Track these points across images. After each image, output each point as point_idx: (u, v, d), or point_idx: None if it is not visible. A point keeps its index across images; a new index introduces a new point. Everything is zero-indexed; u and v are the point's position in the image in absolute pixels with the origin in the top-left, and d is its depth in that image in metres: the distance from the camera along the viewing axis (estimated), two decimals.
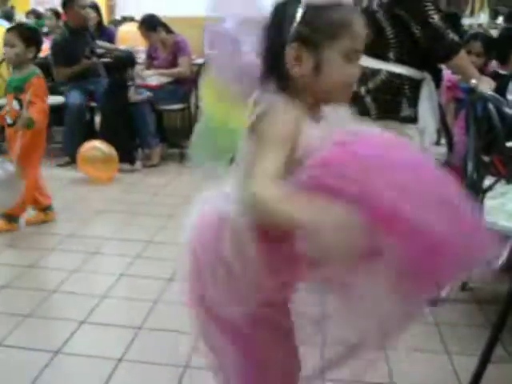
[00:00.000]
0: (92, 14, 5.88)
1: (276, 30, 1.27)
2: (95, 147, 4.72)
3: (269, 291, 1.24)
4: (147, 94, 5.21)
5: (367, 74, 2.80)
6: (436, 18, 2.70)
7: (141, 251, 3.31)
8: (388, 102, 2.79)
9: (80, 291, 2.85)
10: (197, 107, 5.59)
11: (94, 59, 5.42)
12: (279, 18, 1.27)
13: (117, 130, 5.02)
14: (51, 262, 3.22)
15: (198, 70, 5.49)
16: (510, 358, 2.35)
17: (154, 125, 5.40)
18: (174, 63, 5.51)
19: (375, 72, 2.81)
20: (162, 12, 5.76)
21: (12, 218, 3.58)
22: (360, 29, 1.27)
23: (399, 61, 2.79)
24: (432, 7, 2.71)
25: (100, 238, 3.55)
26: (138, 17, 6.44)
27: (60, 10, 7.14)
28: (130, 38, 6.15)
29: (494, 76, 3.28)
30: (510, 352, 2.37)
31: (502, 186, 2.69)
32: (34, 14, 7.92)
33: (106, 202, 4.27)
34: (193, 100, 5.57)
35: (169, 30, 5.57)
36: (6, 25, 6.14)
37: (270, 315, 1.31)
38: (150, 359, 2.30)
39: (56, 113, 5.91)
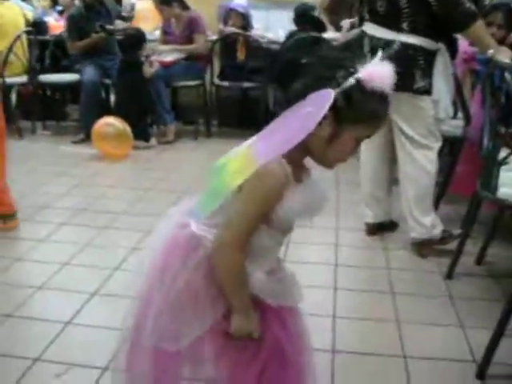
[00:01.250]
0: None
1: (315, 84, 1.25)
2: (109, 123, 4.70)
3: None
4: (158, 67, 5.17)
5: (379, 45, 2.73)
6: None
7: (152, 226, 3.29)
8: (401, 74, 2.69)
9: (92, 263, 2.85)
10: (212, 84, 5.57)
11: (103, 34, 5.38)
12: (323, 75, 1.25)
13: (131, 108, 5.00)
14: (64, 235, 3.21)
15: (212, 46, 5.45)
16: None
17: (168, 101, 5.39)
18: (189, 39, 5.45)
19: (388, 43, 2.75)
20: None
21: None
22: (383, 122, 1.31)
23: (413, 31, 2.74)
24: None
25: (113, 212, 3.54)
26: None
27: None
28: (145, 15, 6.10)
29: None
30: None
31: None
32: None
33: (120, 178, 4.26)
34: (207, 76, 5.53)
35: (185, 6, 5.52)
36: (23, 5, 6.15)
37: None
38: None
39: (72, 90, 5.97)
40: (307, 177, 1.36)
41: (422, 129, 2.86)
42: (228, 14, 5.65)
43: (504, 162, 2.46)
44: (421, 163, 2.89)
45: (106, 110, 5.23)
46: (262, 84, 5.41)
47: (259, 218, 1.30)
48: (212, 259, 1.32)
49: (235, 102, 6.00)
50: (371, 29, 2.86)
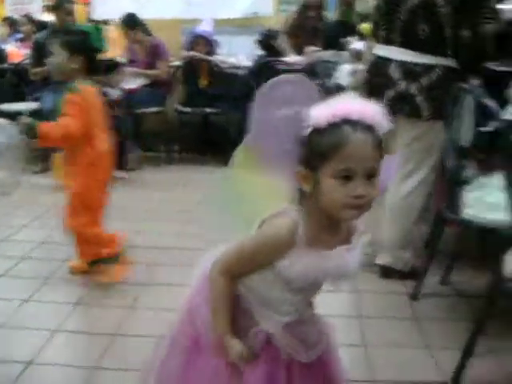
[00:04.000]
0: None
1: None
2: None
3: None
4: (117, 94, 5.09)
5: (418, 71, 2.72)
6: (489, 28, 2.64)
7: None
8: (444, 101, 2.65)
9: (54, 299, 2.79)
10: (174, 110, 5.55)
11: None
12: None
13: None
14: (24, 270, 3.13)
15: (175, 72, 5.45)
16: (492, 351, 2.31)
17: (131, 128, 5.34)
18: (152, 66, 5.47)
19: (429, 68, 2.72)
20: (139, 14, 5.69)
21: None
22: (355, 147, 1.22)
23: (456, 56, 2.72)
24: (490, 15, 2.65)
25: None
26: (114, 21, 6.40)
27: (36, 16, 7.14)
28: (112, 42, 6.08)
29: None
30: (492, 345, 2.34)
31: (481, 179, 2.67)
32: (9, 20, 7.81)
33: None
34: (169, 103, 5.52)
35: (147, 33, 5.53)
36: None
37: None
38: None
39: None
40: (334, 246, 1.32)
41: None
42: (195, 41, 5.64)
43: (467, 182, 2.48)
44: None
45: None
46: (224, 110, 5.42)
47: (253, 261, 1.34)
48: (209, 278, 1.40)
49: (197, 128, 5.99)
50: (399, 54, 2.79)
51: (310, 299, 1.47)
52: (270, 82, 1.32)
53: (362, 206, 1.24)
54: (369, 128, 1.23)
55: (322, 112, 1.24)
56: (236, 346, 1.36)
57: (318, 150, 1.23)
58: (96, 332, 2.48)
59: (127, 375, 2.12)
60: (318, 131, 1.23)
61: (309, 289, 1.39)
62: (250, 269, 1.36)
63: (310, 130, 1.25)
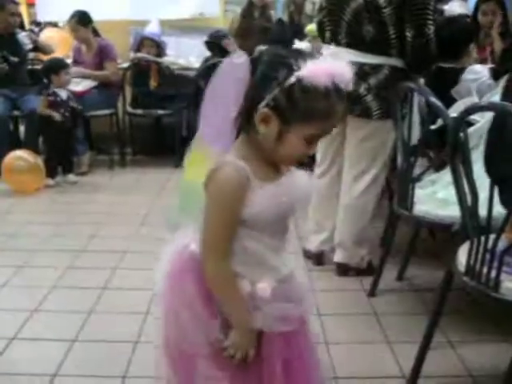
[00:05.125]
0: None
1: (260, 84, 1.25)
2: (19, 157, 4.54)
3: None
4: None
5: (366, 71, 2.75)
6: (431, 28, 2.68)
7: (72, 261, 3.20)
8: (392, 100, 2.65)
9: (10, 306, 2.72)
10: (124, 112, 5.50)
11: (4, 66, 5.18)
12: (266, 74, 1.24)
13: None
14: None
15: (124, 73, 5.39)
16: (449, 343, 2.38)
17: (81, 131, 5.26)
18: (99, 67, 5.38)
19: (377, 68, 2.75)
20: None
21: None
22: (336, 120, 1.26)
23: (402, 56, 2.76)
24: (432, 15, 2.69)
25: (28, 250, 3.40)
26: (61, 23, 6.31)
27: None
28: (52, 43, 5.96)
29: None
30: (449, 338, 2.41)
31: (431, 175, 2.74)
32: None
33: (33, 213, 4.10)
34: (120, 105, 5.46)
35: (96, 33, 5.46)
36: None
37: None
38: (87, 372, 2.21)
39: None
40: (283, 173, 1.34)
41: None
42: (141, 43, 5.59)
43: (418, 179, 2.54)
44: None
45: (16, 143, 5.06)
46: (175, 111, 5.40)
47: (228, 223, 1.29)
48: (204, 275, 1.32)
49: (149, 129, 5.95)
50: (347, 54, 2.77)
51: (284, 241, 1.42)
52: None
53: (303, 160, 1.30)
54: (345, 95, 1.23)
55: (317, 71, 1.19)
56: (253, 339, 1.34)
57: (302, 109, 1.20)
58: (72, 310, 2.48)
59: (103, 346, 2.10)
60: (307, 89, 1.19)
61: (279, 226, 1.37)
62: (231, 234, 1.30)
63: (297, 81, 1.19)
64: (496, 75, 3.00)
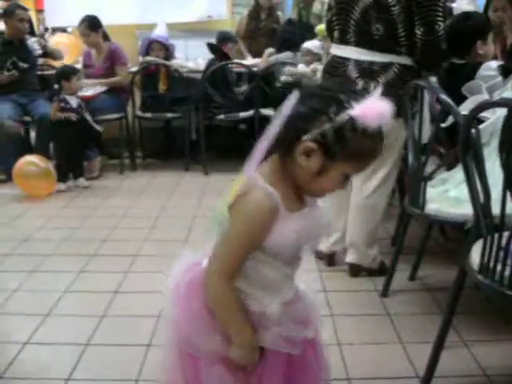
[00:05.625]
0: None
1: (307, 116, 1.23)
2: (30, 162, 4.57)
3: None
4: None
5: (375, 70, 2.74)
6: (441, 25, 2.67)
7: (84, 266, 3.21)
8: (402, 98, 2.63)
9: (22, 311, 2.72)
10: (134, 116, 5.51)
11: (15, 72, 5.21)
12: (316, 108, 1.23)
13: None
14: None
15: (133, 77, 5.41)
16: (463, 343, 2.36)
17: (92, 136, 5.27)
18: (110, 71, 5.40)
19: (386, 66, 2.74)
20: None
21: None
22: (374, 159, 1.27)
23: (411, 54, 2.75)
24: (442, 12, 2.67)
25: (40, 255, 3.41)
26: (70, 29, 6.33)
27: None
28: (61, 48, 5.99)
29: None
30: (462, 337, 2.39)
31: (442, 173, 2.72)
32: None
33: (45, 218, 4.12)
34: (129, 109, 5.47)
35: (106, 37, 5.48)
36: None
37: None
38: (100, 375, 2.21)
39: None
40: (307, 204, 1.34)
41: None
42: (150, 46, 5.61)
43: (430, 177, 2.53)
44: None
45: (27, 149, 5.08)
46: (184, 114, 5.40)
47: (247, 247, 1.29)
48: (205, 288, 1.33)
49: (158, 133, 5.96)
50: (356, 53, 2.79)
51: (297, 268, 1.43)
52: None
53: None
54: (384, 137, 1.25)
55: (370, 112, 1.19)
56: (254, 355, 1.34)
57: (351, 148, 1.20)
58: (84, 314, 2.48)
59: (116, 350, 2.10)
60: (357, 128, 1.19)
61: (294, 256, 1.37)
62: (245, 258, 1.30)
63: (349, 119, 1.19)
64: (506, 72, 2.97)
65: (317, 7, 5.80)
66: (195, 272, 1.39)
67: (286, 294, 1.38)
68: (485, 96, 2.82)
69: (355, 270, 3.02)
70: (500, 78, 2.97)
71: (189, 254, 1.45)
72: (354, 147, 1.21)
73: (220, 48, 5.40)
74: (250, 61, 5.79)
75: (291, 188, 1.30)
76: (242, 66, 5.42)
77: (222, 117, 5.27)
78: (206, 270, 1.33)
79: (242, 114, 5.33)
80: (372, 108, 1.20)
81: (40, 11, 6.62)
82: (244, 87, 5.57)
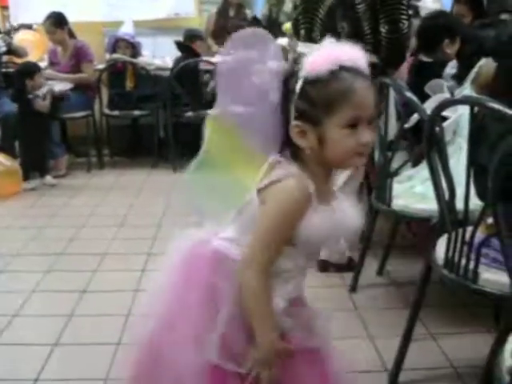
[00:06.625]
0: None
1: (282, 103, 1.25)
2: None
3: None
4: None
5: None
6: (406, 23, 2.70)
7: (51, 265, 3.18)
8: None
9: None
10: (101, 114, 5.46)
11: None
12: (284, 92, 1.25)
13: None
14: None
15: (100, 75, 5.36)
16: (430, 336, 2.40)
17: (58, 134, 5.22)
18: (76, 69, 5.33)
19: None
20: None
21: None
22: (362, 94, 1.21)
23: (377, 52, 2.76)
24: (406, 11, 2.71)
25: (5, 255, 3.36)
26: (35, 25, 6.23)
27: None
28: (25, 46, 5.90)
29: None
30: (430, 330, 2.43)
31: (408, 170, 2.76)
32: None
33: (10, 217, 4.06)
34: (96, 107, 5.43)
35: (72, 34, 5.42)
36: None
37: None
38: (69, 375, 2.20)
39: None
40: (331, 199, 1.31)
41: None
42: (117, 44, 5.56)
43: (396, 173, 2.56)
44: None
45: None
46: (151, 111, 5.38)
47: (283, 236, 1.24)
48: (238, 280, 1.26)
49: (126, 130, 5.92)
50: None
51: (309, 266, 1.42)
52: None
53: (366, 152, 1.24)
54: (363, 73, 1.22)
55: (316, 61, 1.20)
56: (274, 361, 1.28)
57: (321, 101, 1.19)
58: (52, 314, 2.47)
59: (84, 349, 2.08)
60: (314, 82, 1.19)
61: (315, 250, 1.37)
62: (280, 249, 1.26)
63: (302, 82, 1.20)
64: (459, 80, 3.02)
65: (288, 6, 5.81)
66: (204, 251, 1.35)
67: (291, 291, 1.36)
68: (446, 95, 2.87)
69: (324, 266, 3.04)
70: None
71: (193, 231, 1.41)
72: (322, 99, 1.19)
73: (190, 46, 5.38)
74: (217, 58, 5.77)
75: (319, 178, 1.28)
76: (210, 63, 5.40)
77: (190, 114, 5.25)
78: (240, 261, 1.27)
79: (211, 111, 5.29)
80: (318, 57, 1.21)
81: (5, 8, 6.50)
82: (212, 84, 5.55)
